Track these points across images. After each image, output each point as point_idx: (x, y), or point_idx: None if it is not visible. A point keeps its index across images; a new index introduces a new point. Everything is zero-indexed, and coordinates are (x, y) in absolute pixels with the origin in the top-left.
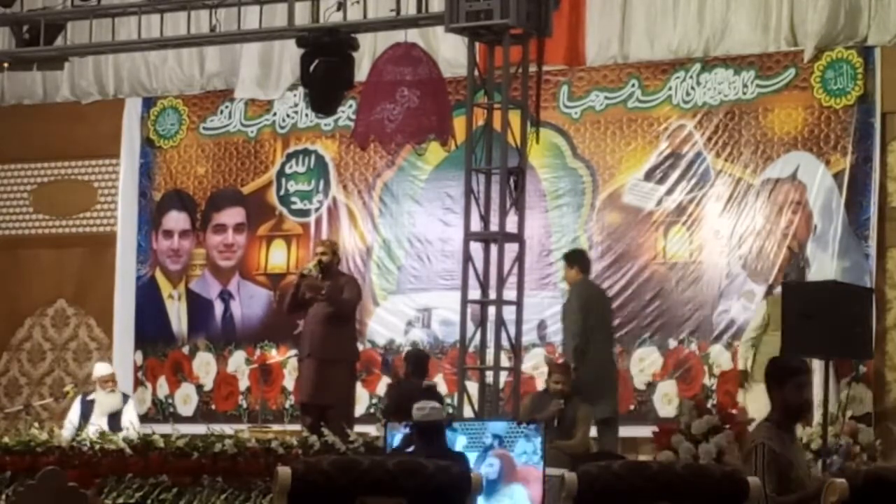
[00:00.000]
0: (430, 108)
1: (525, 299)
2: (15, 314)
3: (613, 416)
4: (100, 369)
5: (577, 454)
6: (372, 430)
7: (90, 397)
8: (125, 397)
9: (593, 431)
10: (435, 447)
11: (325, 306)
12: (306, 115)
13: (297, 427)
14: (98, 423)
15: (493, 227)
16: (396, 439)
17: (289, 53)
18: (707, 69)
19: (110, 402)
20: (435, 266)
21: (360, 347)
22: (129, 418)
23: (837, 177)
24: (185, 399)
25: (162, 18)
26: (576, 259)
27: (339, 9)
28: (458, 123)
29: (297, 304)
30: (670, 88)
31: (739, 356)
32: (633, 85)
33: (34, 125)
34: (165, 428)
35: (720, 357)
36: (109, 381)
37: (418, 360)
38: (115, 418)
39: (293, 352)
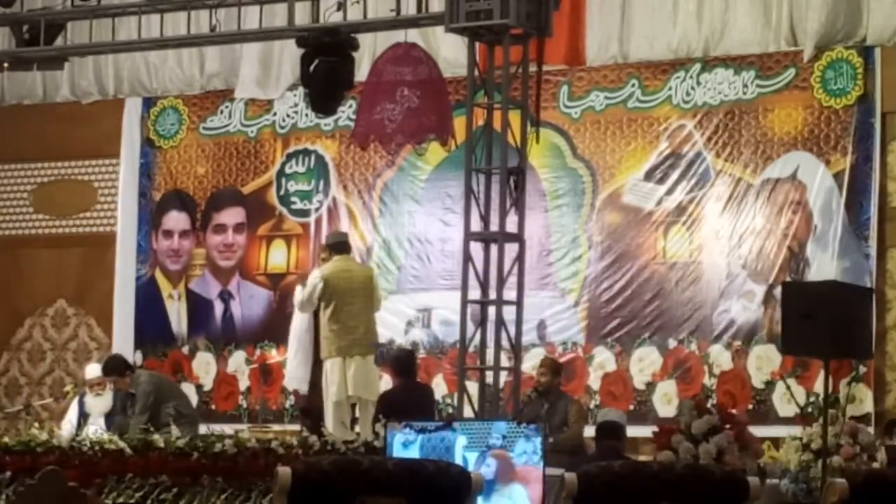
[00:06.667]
0: (430, 108)
1: (525, 299)
2: (15, 314)
3: None
4: (90, 371)
5: (572, 447)
6: None
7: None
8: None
9: None
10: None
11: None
12: (306, 115)
13: (297, 427)
14: (97, 422)
15: (493, 227)
16: (397, 440)
17: (289, 53)
18: (707, 69)
19: (100, 406)
20: (435, 266)
21: None
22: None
23: (837, 177)
24: None
25: (162, 18)
26: None
27: (339, 9)
28: (458, 123)
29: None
30: (670, 88)
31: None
32: (633, 85)
33: (34, 125)
34: None
35: (720, 357)
36: (97, 385)
37: (401, 363)
38: (110, 418)
39: None
